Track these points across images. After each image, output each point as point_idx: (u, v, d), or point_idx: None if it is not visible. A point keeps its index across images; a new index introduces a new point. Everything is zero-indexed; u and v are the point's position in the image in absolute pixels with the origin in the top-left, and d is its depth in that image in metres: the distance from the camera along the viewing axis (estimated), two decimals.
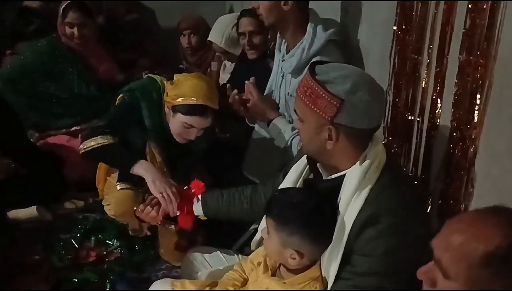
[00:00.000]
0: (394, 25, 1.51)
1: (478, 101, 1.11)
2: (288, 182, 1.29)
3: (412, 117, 1.45)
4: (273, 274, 1.22)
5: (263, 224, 1.24)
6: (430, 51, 1.34)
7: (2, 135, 1.97)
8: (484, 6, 1.08)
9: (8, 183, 2.12)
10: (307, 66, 1.15)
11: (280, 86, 1.86)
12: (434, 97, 1.32)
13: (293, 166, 1.31)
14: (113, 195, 1.83)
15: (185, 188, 1.57)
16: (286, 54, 1.78)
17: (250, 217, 1.50)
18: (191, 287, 1.31)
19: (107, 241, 1.98)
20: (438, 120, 1.32)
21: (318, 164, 1.22)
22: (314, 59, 1.66)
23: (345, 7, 1.96)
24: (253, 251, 1.36)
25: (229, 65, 2.62)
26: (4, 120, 1.99)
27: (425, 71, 1.37)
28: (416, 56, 1.41)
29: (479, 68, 1.10)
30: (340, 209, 1.12)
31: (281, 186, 1.31)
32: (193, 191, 1.52)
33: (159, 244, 1.93)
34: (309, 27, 1.69)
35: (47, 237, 2.02)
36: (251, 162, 2.00)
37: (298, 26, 1.71)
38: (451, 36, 1.24)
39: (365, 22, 1.80)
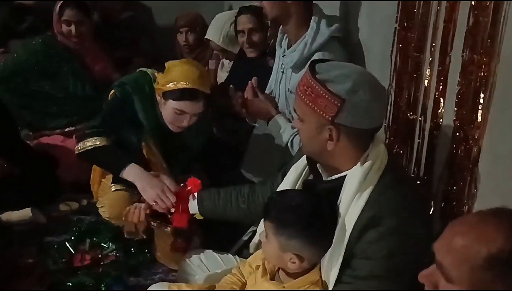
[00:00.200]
0: (396, 23, 1.51)
1: (481, 101, 1.12)
2: (287, 182, 1.29)
3: (414, 117, 1.45)
4: (272, 278, 1.22)
5: (261, 227, 1.23)
6: (432, 49, 1.34)
7: None
8: (488, 3, 1.08)
9: (1, 184, 2.11)
10: (308, 63, 1.15)
11: (280, 82, 1.86)
12: (436, 96, 1.32)
13: (293, 166, 1.30)
14: (107, 196, 1.83)
15: (181, 185, 1.56)
16: (287, 49, 1.78)
17: (247, 217, 1.50)
18: None
19: (102, 244, 1.97)
20: (441, 120, 1.32)
21: (318, 165, 1.22)
22: (315, 55, 1.66)
23: (345, 4, 1.95)
24: (251, 254, 1.35)
25: (227, 64, 2.62)
26: None
27: (428, 70, 1.37)
28: (418, 54, 1.41)
29: (483, 66, 1.10)
30: (340, 211, 1.12)
31: (280, 187, 1.31)
32: (189, 188, 1.52)
33: (156, 247, 1.92)
34: (313, 21, 1.69)
35: (40, 239, 2.01)
36: (250, 161, 2.00)
37: (301, 21, 1.71)
38: (454, 34, 1.24)
39: (366, 19, 1.80)
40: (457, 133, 1.21)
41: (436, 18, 1.32)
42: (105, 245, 1.96)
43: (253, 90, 1.72)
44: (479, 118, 1.13)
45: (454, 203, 1.24)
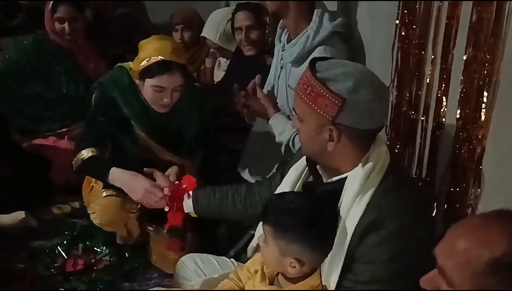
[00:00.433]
0: (397, 19, 1.51)
1: (485, 99, 1.11)
2: (286, 184, 1.29)
3: (416, 116, 1.45)
4: (271, 283, 1.22)
5: (259, 230, 1.23)
6: (434, 47, 1.34)
7: None
8: None
9: None
10: (308, 60, 1.15)
11: (279, 78, 1.86)
12: (439, 95, 1.32)
13: (292, 167, 1.30)
14: (98, 202, 1.83)
15: (175, 182, 1.57)
16: (287, 44, 1.78)
17: (243, 217, 1.50)
18: None
19: (96, 248, 1.96)
20: (444, 120, 1.32)
21: (318, 166, 1.22)
22: (317, 49, 1.66)
23: (345, 1, 1.95)
24: (249, 258, 1.35)
25: (223, 62, 2.62)
26: None
27: (430, 68, 1.37)
28: (420, 52, 1.41)
29: (486, 64, 1.10)
30: (341, 213, 1.12)
31: (279, 189, 1.30)
32: (184, 186, 1.52)
33: (151, 250, 1.92)
34: (315, 15, 1.70)
35: (32, 244, 2.01)
36: (248, 160, 2.00)
37: (302, 14, 1.72)
38: (457, 31, 1.24)
39: (366, 16, 1.80)
40: (460, 133, 1.21)
41: (438, 14, 1.32)
42: (98, 250, 1.96)
43: (255, 89, 1.72)
44: (483, 118, 1.12)
45: (458, 204, 1.24)
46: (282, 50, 1.82)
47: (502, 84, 1.08)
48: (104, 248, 1.95)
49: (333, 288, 1.11)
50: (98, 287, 1.78)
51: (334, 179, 1.17)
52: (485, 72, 1.11)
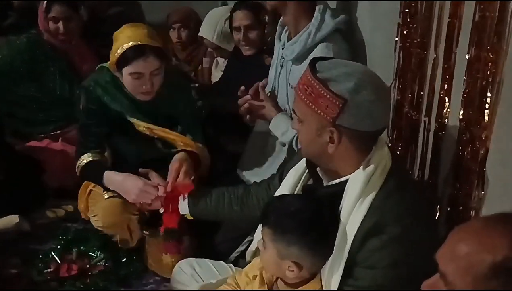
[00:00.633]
0: (398, 18, 1.51)
1: (488, 100, 1.12)
2: (285, 187, 1.29)
3: (418, 117, 1.45)
4: (270, 288, 1.22)
5: (258, 234, 1.23)
6: (436, 46, 1.35)
7: None
8: None
9: None
10: (309, 58, 1.15)
11: (279, 77, 1.86)
12: (441, 95, 1.33)
13: (291, 170, 1.30)
14: (99, 205, 1.83)
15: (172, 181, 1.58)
16: (287, 42, 1.79)
17: (239, 219, 1.50)
18: None
19: (90, 253, 1.96)
20: (446, 120, 1.32)
21: (318, 169, 1.22)
22: (318, 46, 1.66)
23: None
24: (248, 262, 1.35)
25: (221, 62, 2.62)
26: None
27: (432, 68, 1.37)
28: (422, 51, 1.41)
29: (489, 64, 1.10)
30: (342, 217, 1.12)
31: (278, 191, 1.31)
32: (179, 188, 1.53)
33: (147, 254, 1.92)
34: (317, 11, 1.70)
35: (25, 248, 2.00)
36: (247, 161, 2.00)
37: (302, 11, 1.72)
38: (459, 29, 1.24)
39: (367, 14, 1.80)
40: (463, 134, 1.22)
41: (440, 13, 1.32)
42: (93, 254, 1.95)
43: (257, 91, 1.72)
44: (486, 119, 1.13)
45: (461, 207, 1.24)
46: (283, 49, 1.82)
47: (506, 84, 1.09)
48: (99, 252, 1.94)
49: None
50: None
51: (335, 181, 1.17)
52: (488, 72, 1.11)
